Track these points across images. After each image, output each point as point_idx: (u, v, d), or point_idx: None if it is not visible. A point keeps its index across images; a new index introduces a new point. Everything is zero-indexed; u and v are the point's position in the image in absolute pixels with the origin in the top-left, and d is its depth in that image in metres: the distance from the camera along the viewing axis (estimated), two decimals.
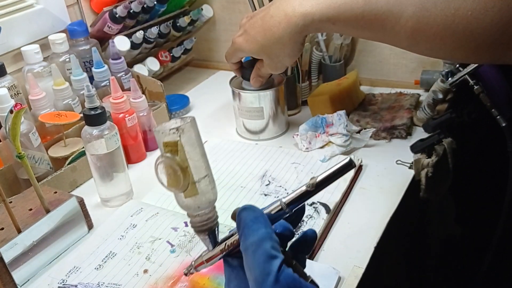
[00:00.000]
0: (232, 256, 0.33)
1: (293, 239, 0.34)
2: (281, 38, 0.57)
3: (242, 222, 0.32)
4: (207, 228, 0.33)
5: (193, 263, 0.34)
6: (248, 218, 0.31)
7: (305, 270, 0.32)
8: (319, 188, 0.32)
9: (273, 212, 0.33)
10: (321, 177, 0.32)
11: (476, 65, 0.65)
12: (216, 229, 0.34)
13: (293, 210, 0.33)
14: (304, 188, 0.32)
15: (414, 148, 0.61)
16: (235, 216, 0.33)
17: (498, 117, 0.64)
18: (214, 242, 0.33)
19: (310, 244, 0.34)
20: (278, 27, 0.56)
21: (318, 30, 0.59)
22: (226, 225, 0.55)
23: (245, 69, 0.68)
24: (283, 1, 0.56)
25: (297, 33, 0.56)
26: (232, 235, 0.33)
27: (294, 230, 0.34)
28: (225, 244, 0.33)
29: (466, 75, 0.66)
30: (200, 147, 0.32)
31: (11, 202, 0.55)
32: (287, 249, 0.34)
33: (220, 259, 0.33)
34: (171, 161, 0.31)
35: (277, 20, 0.56)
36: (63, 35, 0.75)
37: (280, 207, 0.32)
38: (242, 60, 0.69)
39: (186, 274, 0.35)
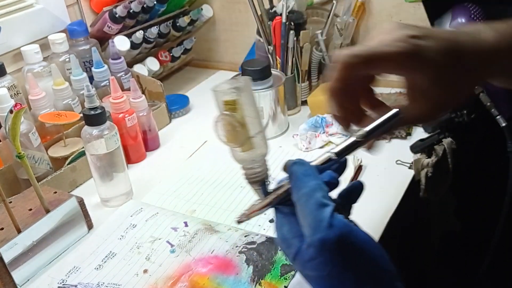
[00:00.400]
0: (283, 205, 0.35)
1: (343, 189, 0.36)
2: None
3: (293, 176, 0.33)
4: (259, 180, 0.36)
5: (245, 211, 0.36)
6: (299, 172, 0.33)
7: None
8: (368, 138, 0.34)
9: (320, 164, 0.35)
10: (369, 127, 0.34)
11: None
12: (267, 180, 0.36)
13: (341, 160, 0.35)
14: (353, 138, 0.34)
15: (414, 148, 0.61)
16: (286, 168, 0.35)
17: (498, 117, 0.64)
18: (265, 193, 0.36)
19: (358, 193, 0.36)
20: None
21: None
22: (226, 225, 0.55)
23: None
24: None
25: None
26: (281, 187, 0.35)
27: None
28: (276, 194, 0.35)
29: None
30: (255, 105, 0.35)
31: (11, 202, 0.55)
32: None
33: (271, 207, 0.35)
34: (230, 118, 0.34)
35: None
36: (63, 35, 0.75)
37: (328, 158, 0.34)
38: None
39: (238, 222, 0.36)
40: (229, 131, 0.34)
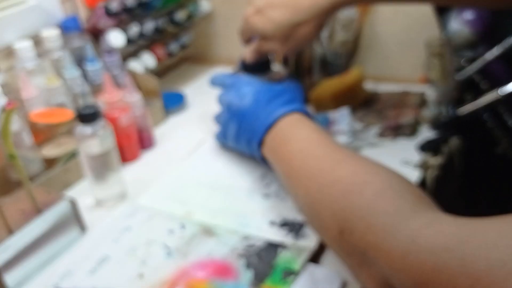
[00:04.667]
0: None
1: None
2: (304, 19, 0.53)
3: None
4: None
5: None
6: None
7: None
8: None
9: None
10: None
11: (483, 60, 0.64)
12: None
13: None
14: None
15: (421, 148, 0.60)
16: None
17: (505, 115, 0.62)
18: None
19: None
20: (302, 4, 0.53)
21: (347, 4, 0.54)
22: (224, 227, 0.54)
23: (243, 61, 0.66)
24: None
25: (323, 12, 0.52)
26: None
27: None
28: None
29: (473, 72, 0.65)
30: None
31: (2, 203, 0.54)
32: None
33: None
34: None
35: None
36: (56, 31, 0.73)
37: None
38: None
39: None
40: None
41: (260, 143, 0.54)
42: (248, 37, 0.64)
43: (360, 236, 0.35)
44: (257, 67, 0.66)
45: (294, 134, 0.50)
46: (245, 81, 0.61)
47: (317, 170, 0.43)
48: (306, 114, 0.53)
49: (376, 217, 0.34)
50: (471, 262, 0.27)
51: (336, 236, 0.38)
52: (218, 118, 0.65)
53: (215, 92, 0.68)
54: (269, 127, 0.52)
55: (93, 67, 0.73)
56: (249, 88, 0.58)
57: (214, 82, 0.67)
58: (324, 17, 0.54)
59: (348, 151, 0.45)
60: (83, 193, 0.62)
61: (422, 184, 0.59)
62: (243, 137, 0.58)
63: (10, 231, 0.49)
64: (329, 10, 0.53)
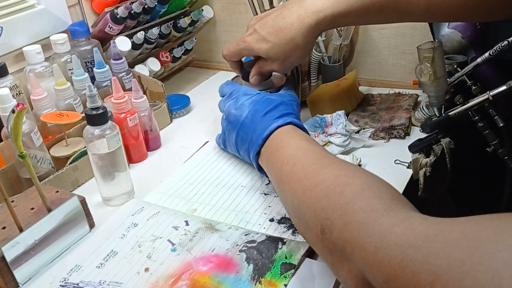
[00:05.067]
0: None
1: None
2: (294, 39, 0.58)
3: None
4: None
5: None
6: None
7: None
8: None
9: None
10: None
11: (474, 64, 0.66)
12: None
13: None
14: None
15: (412, 148, 0.62)
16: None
17: (496, 117, 0.64)
18: None
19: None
20: (290, 28, 0.58)
21: (330, 26, 0.59)
22: (226, 224, 0.56)
23: (245, 70, 0.68)
24: (294, 3, 0.58)
25: (310, 33, 0.57)
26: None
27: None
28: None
29: (464, 76, 0.67)
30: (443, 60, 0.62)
31: (13, 201, 0.56)
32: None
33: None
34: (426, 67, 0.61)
35: (290, 21, 0.58)
36: (65, 35, 0.75)
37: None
38: (243, 60, 0.69)
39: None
40: (425, 74, 0.61)
41: (257, 154, 0.57)
42: (238, 58, 0.67)
43: (339, 233, 0.37)
44: None
45: (285, 143, 0.52)
46: (243, 91, 0.63)
47: (303, 174, 0.46)
48: (299, 126, 0.56)
49: (353, 215, 0.36)
50: (434, 260, 0.28)
51: (319, 235, 0.39)
52: (222, 124, 0.67)
53: (217, 94, 0.70)
54: (265, 138, 0.55)
55: (100, 70, 0.75)
56: (247, 100, 0.61)
57: (219, 90, 0.70)
58: (311, 34, 0.58)
59: (334, 158, 0.48)
60: (92, 191, 0.64)
61: (414, 183, 0.61)
62: (242, 146, 0.60)
63: (20, 228, 0.51)
64: (315, 27, 0.57)
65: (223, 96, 0.67)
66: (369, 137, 0.68)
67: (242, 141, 0.60)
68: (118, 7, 0.80)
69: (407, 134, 0.70)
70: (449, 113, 0.61)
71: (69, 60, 0.75)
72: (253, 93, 0.62)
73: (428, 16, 0.54)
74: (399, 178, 0.61)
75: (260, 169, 0.58)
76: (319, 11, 0.56)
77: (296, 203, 0.45)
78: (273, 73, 0.70)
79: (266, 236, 0.53)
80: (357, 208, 0.37)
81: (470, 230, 0.28)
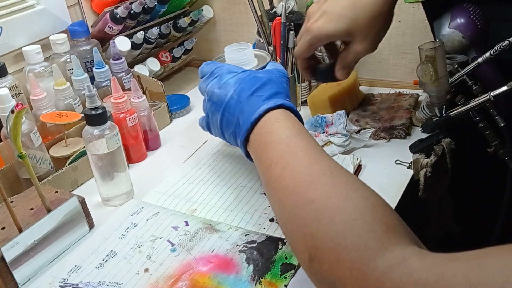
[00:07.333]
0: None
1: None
2: (375, 4, 0.52)
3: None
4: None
5: None
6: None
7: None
8: None
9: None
10: None
11: (475, 64, 0.66)
12: None
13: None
14: None
15: (413, 148, 0.62)
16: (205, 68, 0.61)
17: (496, 117, 0.64)
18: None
19: None
20: None
21: None
22: (226, 224, 0.56)
23: (319, 70, 0.63)
24: None
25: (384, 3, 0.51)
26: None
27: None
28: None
29: (465, 75, 0.67)
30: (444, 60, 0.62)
31: (12, 201, 0.56)
32: None
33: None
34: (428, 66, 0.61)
35: None
36: (64, 35, 0.75)
37: None
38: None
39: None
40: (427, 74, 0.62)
41: (245, 139, 0.51)
42: (310, 52, 0.59)
43: (329, 268, 0.35)
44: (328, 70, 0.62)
45: (275, 136, 0.47)
46: (227, 68, 0.56)
47: (292, 186, 0.41)
48: (290, 108, 0.51)
49: (345, 252, 0.34)
50: None
51: (306, 262, 0.37)
52: (203, 107, 0.59)
53: None
54: (253, 123, 0.50)
55: (100, 70, 0.75)
56: (232, 78, 0.54)
57: (199, 71, 0.61)
58: (393, 2, 0.52)
59: (326, 164, 0.42)
60: (91, 191, 0.64)
61: (415, 183, 0.61)
62: (228, 129, 0.54)
63: (19, 229, 0.51)
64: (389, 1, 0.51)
65: (203, 77, 0.59)
66: (370, 137, 0.68)
67: (228, 124, 0.53)
68: (118, 7, 0.80)
69: (408, 134, 0.70)
70: (450, 114, 0.61)
71: (68, 60, 0.75)
72: (237, 71, 0.55)
73: None
74: (400, 179, 0.61)
75: (248, 155, 0.52)
76: None
77: (284, 218, 0.42)
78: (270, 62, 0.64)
79: (266, 236, 0.53)
80: (349, 244, 0.34)
81: (474, 274, 0.26)
